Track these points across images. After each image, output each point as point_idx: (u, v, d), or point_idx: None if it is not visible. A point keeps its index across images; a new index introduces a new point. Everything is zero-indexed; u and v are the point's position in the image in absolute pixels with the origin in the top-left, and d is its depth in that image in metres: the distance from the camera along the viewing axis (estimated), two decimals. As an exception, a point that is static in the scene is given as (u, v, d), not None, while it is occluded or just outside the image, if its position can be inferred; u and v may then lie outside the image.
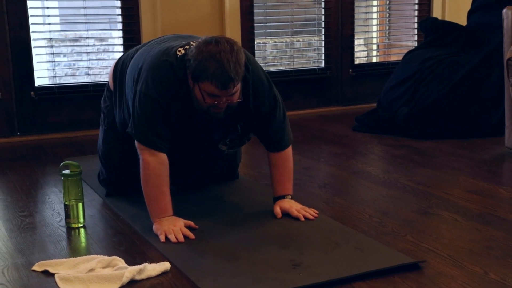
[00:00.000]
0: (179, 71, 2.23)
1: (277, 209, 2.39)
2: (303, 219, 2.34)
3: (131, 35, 4.07)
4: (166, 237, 2.17)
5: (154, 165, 2.23)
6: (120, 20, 4.07)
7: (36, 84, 3.91)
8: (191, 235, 2.19)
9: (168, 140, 2.27)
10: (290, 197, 2.44)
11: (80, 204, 2.37)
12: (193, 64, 2.15)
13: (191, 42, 2.28)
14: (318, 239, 2.16)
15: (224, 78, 2.11)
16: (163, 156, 2.25)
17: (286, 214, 2.38)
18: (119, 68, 2.57)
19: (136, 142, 2.28)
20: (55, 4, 3.94)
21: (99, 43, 4.14)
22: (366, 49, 5.07)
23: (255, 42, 4.46)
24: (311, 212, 2.39)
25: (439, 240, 2.16)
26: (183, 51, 2.26)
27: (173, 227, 2.20)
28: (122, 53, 4.05)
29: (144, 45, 2.54)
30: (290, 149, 2.45)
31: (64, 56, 4.07)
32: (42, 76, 3.94)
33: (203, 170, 2.75)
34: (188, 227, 2.25)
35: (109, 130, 2.65)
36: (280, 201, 2.43)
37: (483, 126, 3.76)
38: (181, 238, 2.16)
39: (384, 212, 2.46)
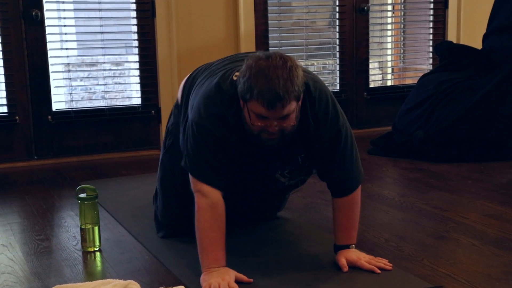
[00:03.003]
0: (231, 98, 2.00)
1: (343, 261, 2.10)
2: (378, 271, 2.06)
3: (147, 60, 4.11)
4: None
5: (206, 208, 1.99)
6: (136, 45, 4.11)
7: (53, 109, 3.95)
8: None
9: (226, 173, 2.03)
10: (354, 246, 2.16)
11: (96, 228, 2.38)
12: (241, 82, 1.91)
13: None
14: (334, 263, 2.15)
15: (271, 95, 1.83)
16: (218, 196, 2.00)
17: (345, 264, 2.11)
18: (189, 82, 2.33)
19: (190, 179, 2.04)
20: (73, 29, 3.99)
21: (115, 68, 4.19)
22: (381, 72, 5.07)
23: (270, 66, 4.48)
24: (385, 262, 2.12)
25: (456, 265, 2.14)
26: (238, 74, 1.99)
27: (220, 281, 1.93)
28: (138, 77, 4.11)
29: (214, 63, 2.29)
30: (358, 191, 2.16)
31: (81, 80, 4.11)
32: (59, 100, 3.97)
33: (257, 204, 2.48)
34: (239, 282, 1.98)
35: (168, 152, 2.40)
36: (344, 251, 2.13)
37: (499, 149, 3.74)
38: None
39: (400, 236, 2.44)
